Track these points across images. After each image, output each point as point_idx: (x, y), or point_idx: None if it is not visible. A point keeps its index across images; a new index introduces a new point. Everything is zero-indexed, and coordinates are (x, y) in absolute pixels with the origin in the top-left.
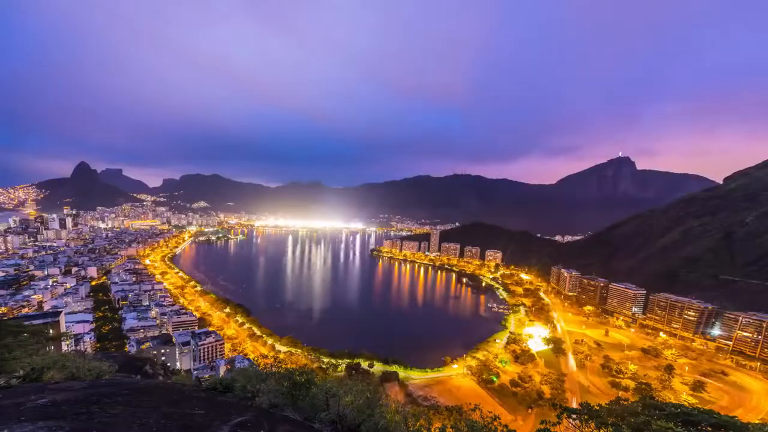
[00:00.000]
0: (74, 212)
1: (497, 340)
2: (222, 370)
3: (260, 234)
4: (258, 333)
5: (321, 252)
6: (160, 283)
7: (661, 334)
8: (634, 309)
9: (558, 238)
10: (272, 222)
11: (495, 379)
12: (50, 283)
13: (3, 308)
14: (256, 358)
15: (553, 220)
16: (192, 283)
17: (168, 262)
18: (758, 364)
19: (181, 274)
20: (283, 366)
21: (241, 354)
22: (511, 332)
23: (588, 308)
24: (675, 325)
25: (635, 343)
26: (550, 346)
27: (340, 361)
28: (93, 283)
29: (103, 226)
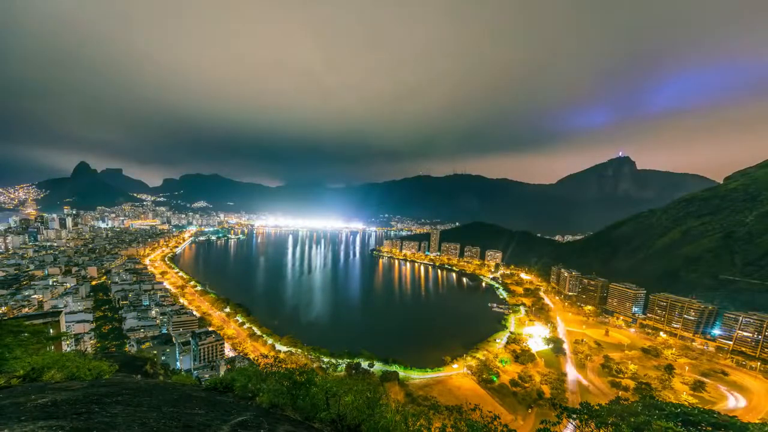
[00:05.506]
0: (74, 212)
1: (497, 340)
2: (222, 370)
3: (260, 234)
4: (258, 333)
5: (321, 252)
6: (160, 282)
7: (661, 333)
8: (635, 309)
9: (558, 237)
10: (272, 222)
11: (495, 378)
12: (50, 283)
13: (3, 308)
14: (256, 358)
15: (553, 220)
16: (192, 282)
17: (168, 262)
18: (758, 363)
19: (181, 273)
20: (283, 365)
21: (241, 353)
22: (511, 332)
23: (588, 308)
24: (675, 325)
25: (635, 343)
26: (550, 346)
27: (340, 360)
28: (93, 282)
29: (103, 225)
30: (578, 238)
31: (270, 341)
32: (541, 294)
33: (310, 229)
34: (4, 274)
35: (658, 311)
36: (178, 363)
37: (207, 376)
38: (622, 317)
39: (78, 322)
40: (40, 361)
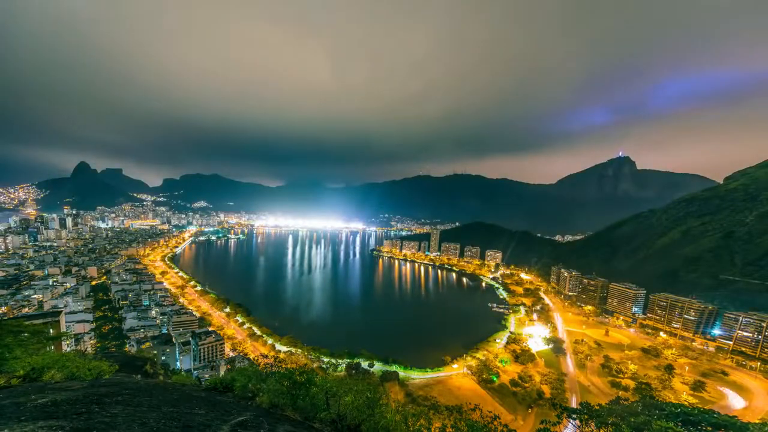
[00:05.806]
0: (74, 212)
1: (497, 340)
2: (222, 370)
3: (260, 234)
4: (258, 333)
5: (321, 252)
6: (160, 282)
7: (661, 333)
8: (635, 309)
9: (558, 237)
10: (272, 222)
11: (495, 378)
12: (50, 283)
13: (3, 308)
14: (256, 358)
15: (553, 220)
16: (192, 282)
17: (168, 262)
18: (758, 364)
19: (181, 273)
20: (283, 365)
21: (241, 353)
22: (511, 332)
23: (588, 308)
24: (675, 325)
25: (635, 343)
26: (550, 346)
27: (340, 360)
28: (93, 282)
29: (103, 225)
30: (578, 238)
31: (270, 341)
32: (541, 294)
33: (310, 229)
34: (4, 274)
35: (658, 311)
36: (178, 363)
37: (207, 376)
38: (622, 317)
39: (78, 322)
40: (40, 361)
